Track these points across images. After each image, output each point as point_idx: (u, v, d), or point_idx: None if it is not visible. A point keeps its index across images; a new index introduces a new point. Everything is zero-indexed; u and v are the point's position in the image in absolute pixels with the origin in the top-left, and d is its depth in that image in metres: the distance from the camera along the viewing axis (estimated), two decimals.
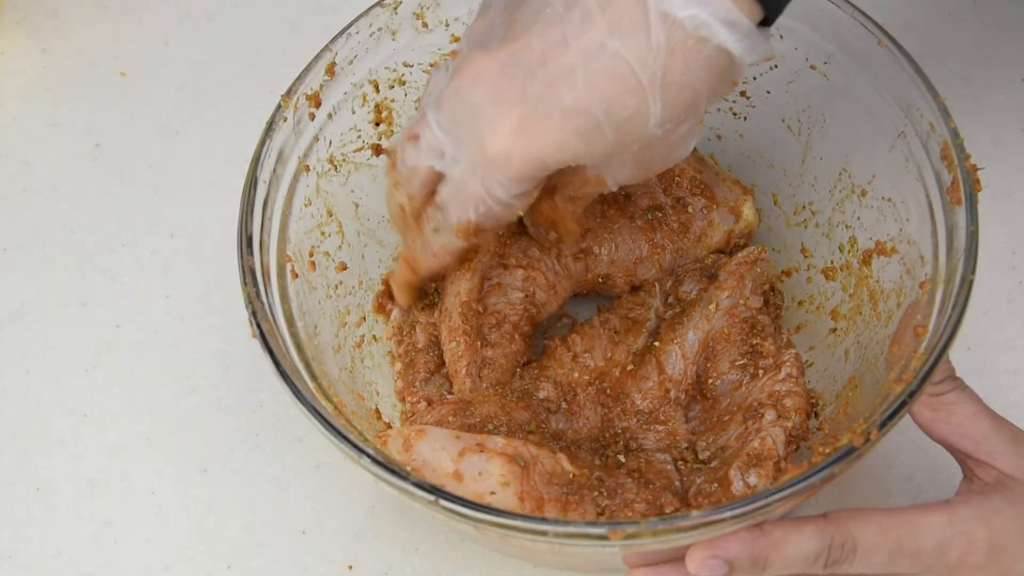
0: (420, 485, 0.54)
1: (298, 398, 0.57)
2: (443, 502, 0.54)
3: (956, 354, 0.73)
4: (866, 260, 0.68)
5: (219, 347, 0.76)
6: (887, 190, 0.66)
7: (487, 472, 0.59)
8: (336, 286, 0.70)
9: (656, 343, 0.70)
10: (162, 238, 0.81)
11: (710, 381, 0.68)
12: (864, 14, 0.66)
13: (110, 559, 0.69)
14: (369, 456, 0.55)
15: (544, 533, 0.53)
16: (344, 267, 0.71)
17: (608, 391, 0.69)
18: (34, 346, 0.77)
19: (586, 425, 0.68)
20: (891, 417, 0.55)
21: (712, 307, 0.69)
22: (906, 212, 0.65)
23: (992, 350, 0.74)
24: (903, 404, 0.55)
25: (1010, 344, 0.74)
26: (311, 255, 0.67)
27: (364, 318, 0.72)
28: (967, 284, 0.57)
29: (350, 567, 0.69)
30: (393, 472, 0.55)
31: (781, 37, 0.69)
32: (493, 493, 0.58)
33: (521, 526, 0.53)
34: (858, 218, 0.69)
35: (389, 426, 0.67)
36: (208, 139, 0.85)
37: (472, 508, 0.54)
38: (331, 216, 0.69)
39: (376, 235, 0.74)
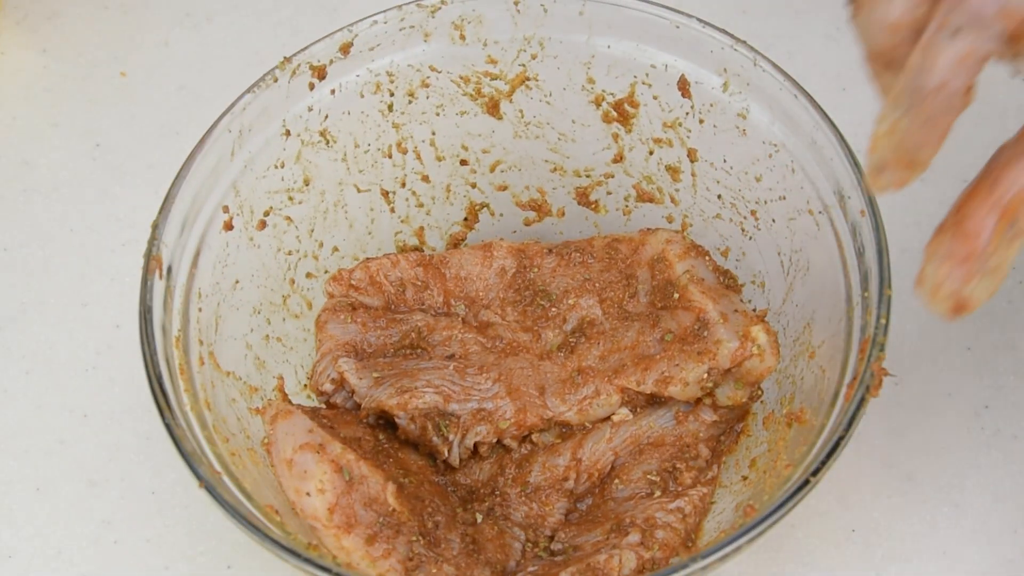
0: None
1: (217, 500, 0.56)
2: None
3: (956, 353, 0.73)
4: (789, 422, 0.64)
5: None
6: (825, 361, 0.63)
7: (311, 473, 0.59)
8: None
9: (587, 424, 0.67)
10: None
11: (616, 483, 0.65)
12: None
13: (110, 559, 0.69)
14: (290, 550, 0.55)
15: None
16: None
17: (512, 458, 0.66)
18: (34, 346, 0.77)
19: (478, 474, 0.66)
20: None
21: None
22: (832, 372, 0.61)
23: (992, 350, 0.73)
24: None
25: (1010, 344, 0.74)
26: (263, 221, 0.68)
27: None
28: None
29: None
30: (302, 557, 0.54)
31: (793, 171, 0.66)
32: (308, 495, 0.59)
33: None
34: (802, 378, 0.65)
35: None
36: None
37: None
38: (308, 185, 0.70)
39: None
